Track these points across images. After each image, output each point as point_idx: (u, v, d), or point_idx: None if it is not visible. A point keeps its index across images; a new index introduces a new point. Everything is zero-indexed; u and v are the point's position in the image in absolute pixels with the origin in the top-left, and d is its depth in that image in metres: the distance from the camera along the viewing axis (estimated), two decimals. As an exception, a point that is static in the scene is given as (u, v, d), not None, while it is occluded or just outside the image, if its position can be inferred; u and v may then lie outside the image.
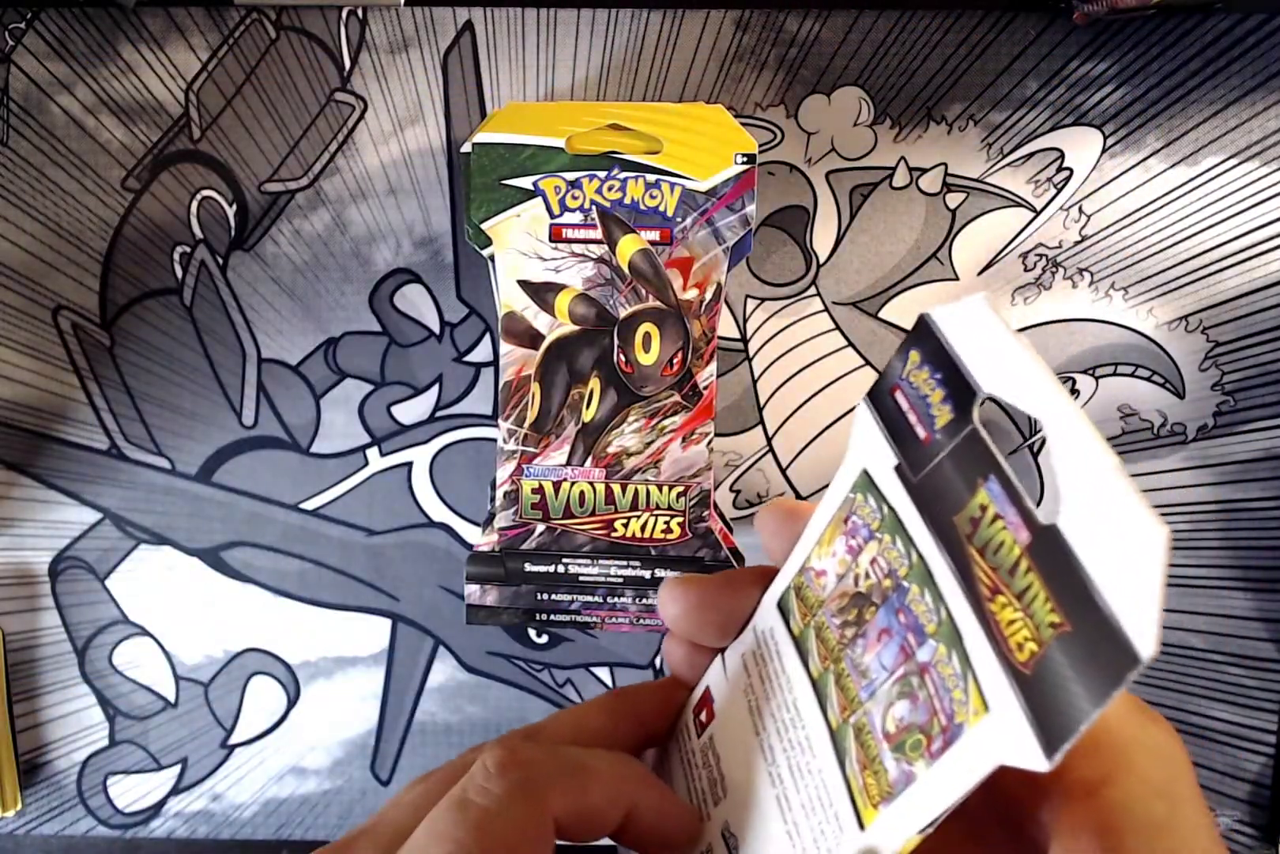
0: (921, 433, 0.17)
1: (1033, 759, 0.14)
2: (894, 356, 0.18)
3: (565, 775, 0.20)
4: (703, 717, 0.22)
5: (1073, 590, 0.13)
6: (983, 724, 0.15)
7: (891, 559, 0.17)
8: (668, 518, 0.39)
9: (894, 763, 0.16)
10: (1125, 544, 0.12)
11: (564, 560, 0.40)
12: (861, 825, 0.17)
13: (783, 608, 0.20)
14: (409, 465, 0.44)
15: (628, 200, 0.38)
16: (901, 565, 0.17)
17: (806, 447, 0.44)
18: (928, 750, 0.16)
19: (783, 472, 0.44)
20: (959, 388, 0.16)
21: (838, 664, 0.18)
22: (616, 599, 0.40)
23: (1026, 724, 0.14)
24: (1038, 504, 0.14)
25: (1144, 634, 0.12)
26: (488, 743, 0.21)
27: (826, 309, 0.43)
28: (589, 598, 0.40)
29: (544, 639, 0.45)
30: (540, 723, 0.22)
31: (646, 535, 0.39)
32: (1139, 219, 0.42)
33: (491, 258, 0.39)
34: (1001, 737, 0.14)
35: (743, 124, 0.40)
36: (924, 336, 0.17)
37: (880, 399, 0.18)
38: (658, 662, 0.46)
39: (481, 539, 0.40)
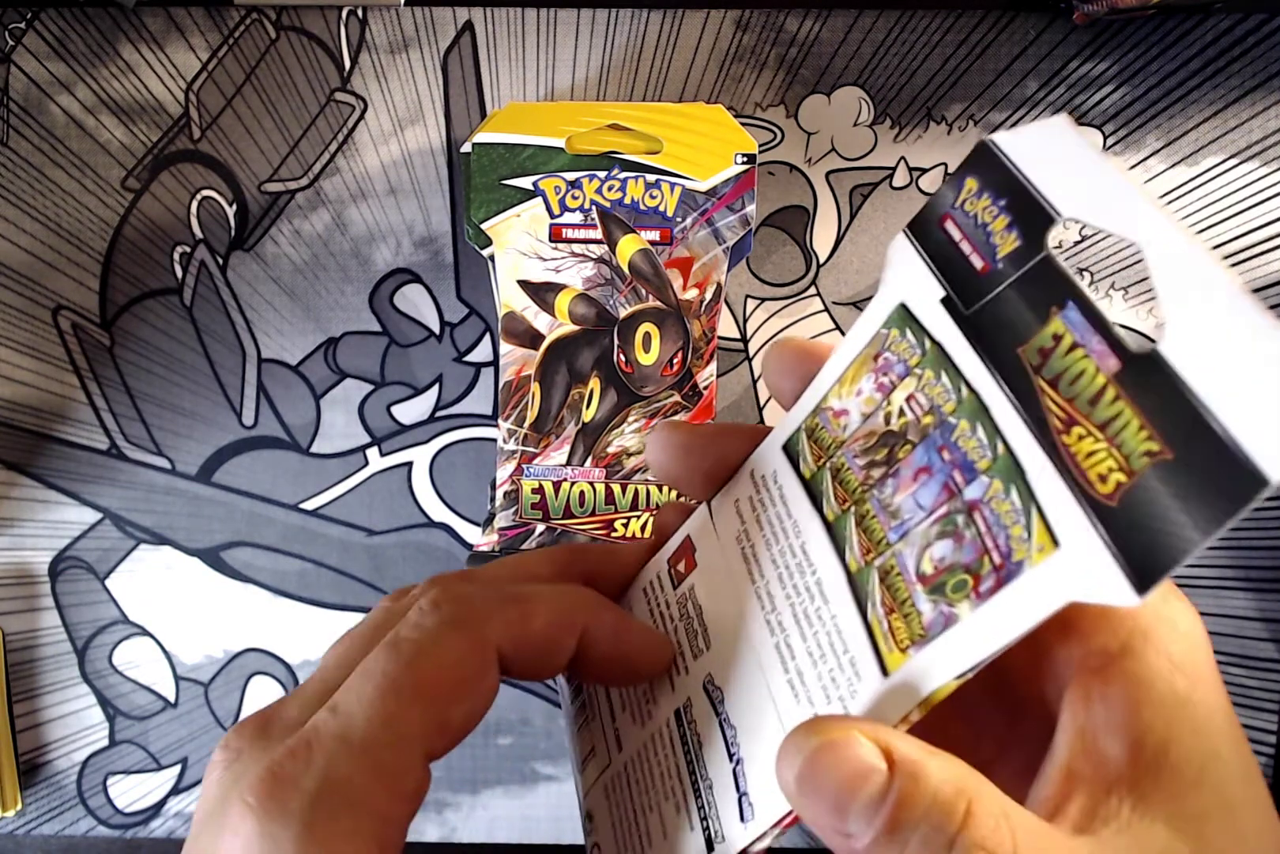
0: (979, 263, 0.16)
1: (1118, 594, 0.13)
2: (943, 186, 0.17)
3: (504, 605, 0.18)
4: (680, 567, 0.21)
5: (1176, 416, 0.12)
6: (1050, 561, 0.14)
7: (934, 395, 0.16)
8: (668, 518, 0.39)
9: (930, 605, 0.15)
10: (1246, 360, 0.12)
11: (564, 560, 0.40)
12: (885, 671, 0.16)
13: (789, 451, 0.19)
14: (409, 465, 0.44)
15: (628, 200, 0.38)
16: (947, 401, 0.16)
17: (806, 447, 0.44)
18: (975, 590, 0.15)
19: (783, 472, 0.44)
20: (1029, 213, 0.15)
21: (860, 506, 0.17)
22: (616, 599, 0.40)
23: (1110, 558, 0.13)
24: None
25: (1270, 453, 0.11)
26: (425, 581, 0.20)
27: (826, 309, 0.43)
28: (589, 598, 0.40)
29: (481, 566, 0.45)
30: (477, 568, 0.21)
31: (646, 535, 0.39)
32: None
33: (491, 258, 0.39)
34: (1075, 573, 0.14)
35: (743, 124, 0.40)
36: (985, 162, 0.16)
37: (925, 230, 0.17)
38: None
39: (481, 539, 0.40)
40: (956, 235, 0.16)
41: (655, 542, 0.22)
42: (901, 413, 0.17)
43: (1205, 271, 0.12)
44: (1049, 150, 0.15)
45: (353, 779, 0.16)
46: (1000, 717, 0.18)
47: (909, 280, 0.17)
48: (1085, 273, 0.42)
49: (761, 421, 0.44)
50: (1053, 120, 0.15)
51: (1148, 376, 0.13)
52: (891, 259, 0.18)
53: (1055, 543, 0.14)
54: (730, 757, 0.18)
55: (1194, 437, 0.12)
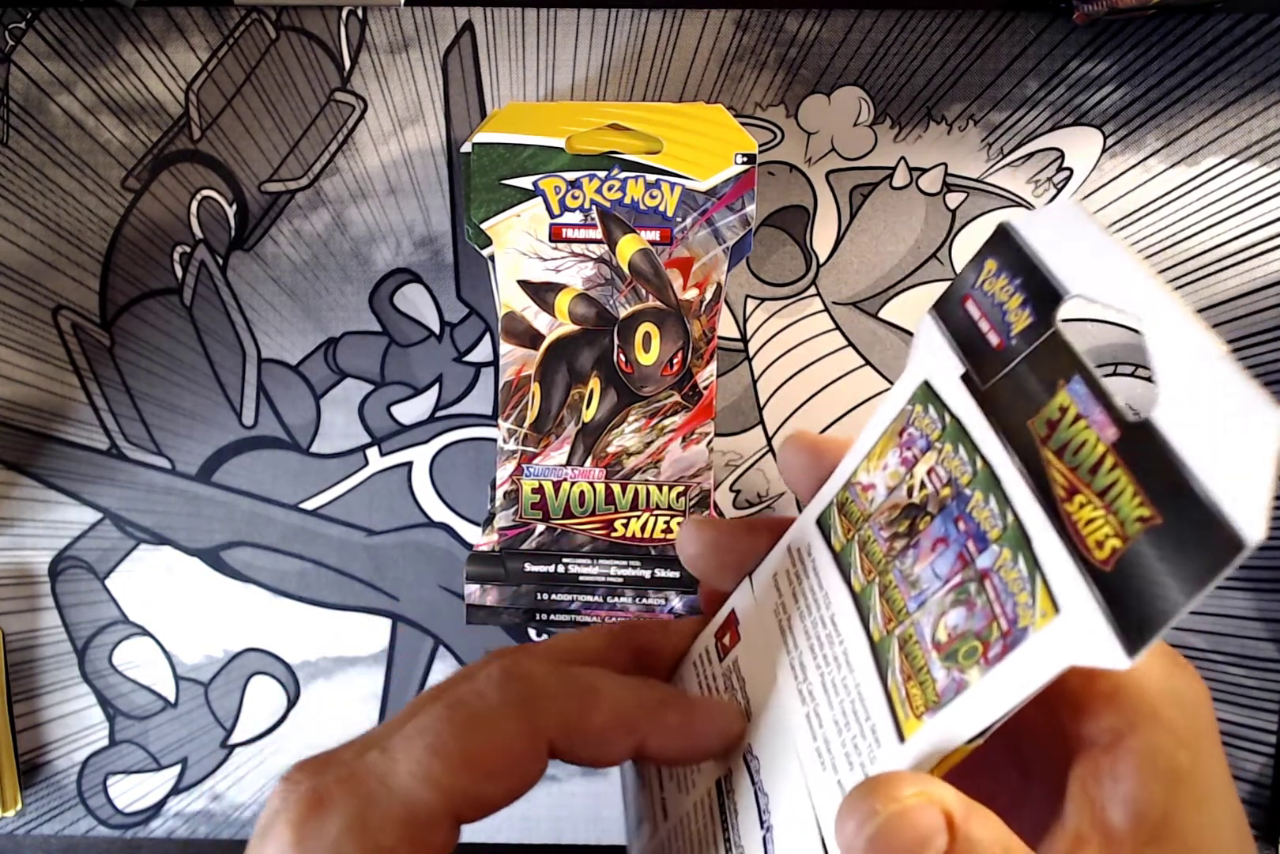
0: (994, 340, 0.16)
1: (1111, 657, 0.14)
2: (966, 268, 0.17)
3: (567, 694, 0.19)
4: (726, 640, 0.21)
5: (1166, 482, 0.13)
6: (1052, 626, 0.14)
7: (952, 468, 0.17)
8: (668, 518, 0.39)
9: (943, 672, 0.16)
10: (1230, 428, 0.12)
11: (564, 560, 0.40)
12: (902, 737, 0.16)
13: (822, 524, 0.20)
14: (409, 465, 0.44)
15: (628, 200, 0.38)
16: (964, 473, 0.17)
17: (806, 446, 0.44)
18: (984, 657, 0.15)
19: (783, 472, 0.44)
20: (1040, 291, 0.16)
21: (884, 576, 0.18)
22: (616, 599, 0.40)
23: (1104, 621, 0.14)
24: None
25: (1249, 517, 0.12)
26: (494, 652, 0.21)
27: (826, 309, 0.43)
28: (589, 598, 0.40)
29: (544, 639, 0.45)
30: (542, 642, 0.22)
31: (646, 535, 0.39)
32: (1139, 219, 0.42)
33: (491, 258, 0.39)
34: (1073, 637, 0.14)
35: (743, 124, 0.40)
36: (1002, 244, 0.16)
37: (948, 310, 0.18)
38: (658, 662, 0.46)
39: (481, 539, 0.40)
40: (976, 314, 0.17)
41: (705, 616, 0.23)
42: (923, 485, 0.17)
43: (1198, 344, 0.13)
44: (1060, 231, 0.16)
45: (384, 824, 0.17)
46: (1018, 777, 0.19)
47: (932, 358, 0.18)
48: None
49: (761, 422, 0.44)
50: (1065, 203, 0.16)
51: (1142, 445, 0.13)
52: (918, 337, 0.18)
53: (1056, 609, 0.14)
54: (762, 824, 0.18)
55: (1181, 501, 0.13)
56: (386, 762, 0.18)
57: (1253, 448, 0.12)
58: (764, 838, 0.18)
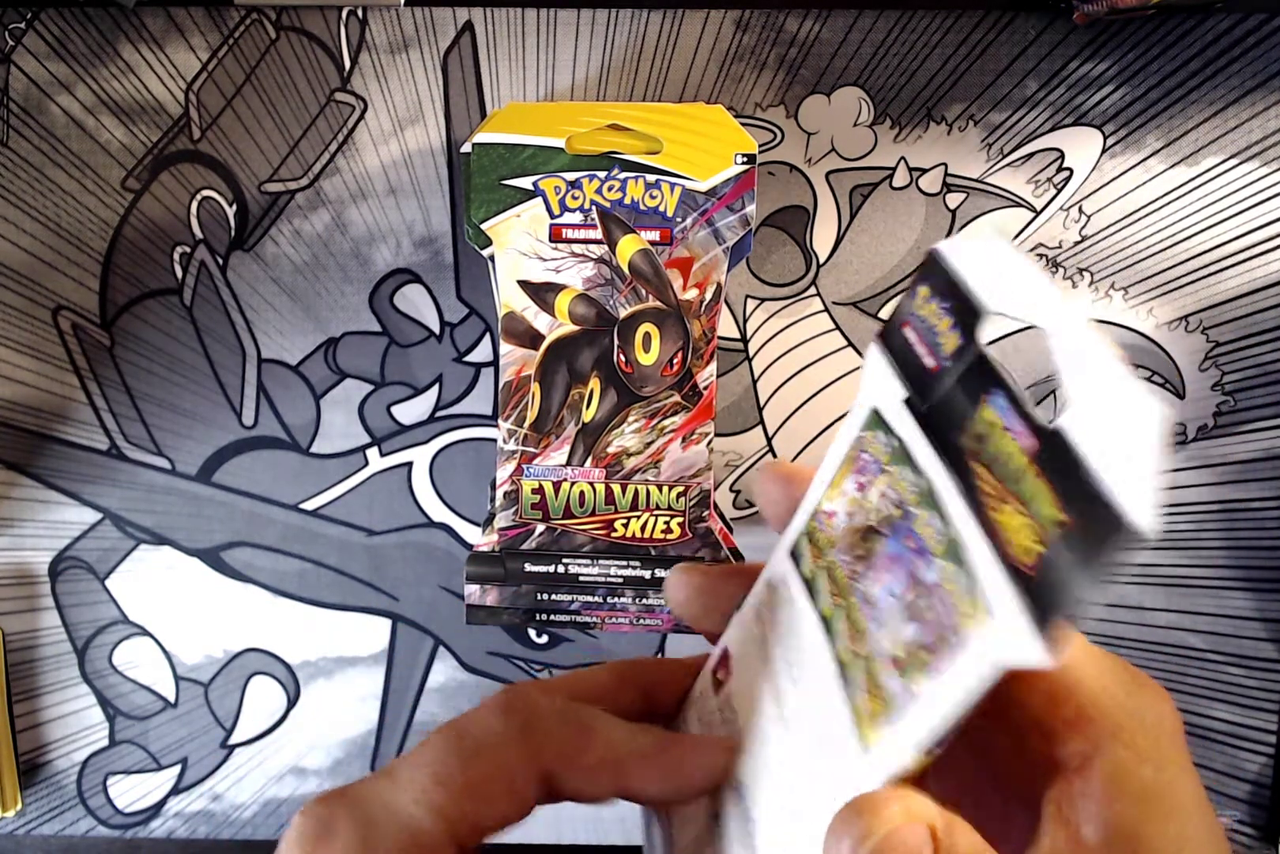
0: (930, 362, 0.17)
1: (1034, 655, 0.14)
2: (903, 295, 0.18)
3: (565, 729, 0.20)
4: (720, 675, 0.22)
5: (1075, 484, 0.14)
6: (985, 631, 0.15)
7: (900, 489, 0.18)
8: (668, 518, 0.39)
9: (899, 684, 0.17)
10: (1121, 426, 0.13)
11: (564, 560, 0.40)
12: (865, 750, 0.17)
13: (795, 555, 0.20)
14: (409, 465, 0.44)
15: (628, 200, 0.38)
16: (910, 493, 0.17)
17: (807, 447, 0.44)
18: (934, 667, 0.16)
19: (783, 472, 0.44)
20: (965, 312, 0.16)
21: (849, 599, 0.18)
22: (616, 599, 0.40)
23: (1026, 622, 0.14)
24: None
25: (1140, 506, 0.12)
26: (504, 687, 0.21)
27: (826, 309, 0.43)
28: (589, 598, 0.40)
29: (544, 639, 0.45)
30: (550, 679, 0.23)
31: (646, 535, 0.39)
32: (1139, 219, 0.42)
33: (491, 258, 0.39)
34: (1002, 640, 0.15)
35: (743, 124, 0.40)
36: (932, 269, 0.17)
37: (890, 337, 0.19)
38: (658, 662, 0.46)
39: (481, 539, 0.40)
40: (914, 338, 0.18)
41: (704, 656, 0.24)
42: (878, 509, 0.18)
43: (1094, 350, 0.14)
44: (981, 254, 0.16)
45: (387, 848, 0.18)
46: (1000, 804, 0.20)
47: (879, 384, 0.19)
48: (1085, 273, 0.42)
49: (761, 421, 0.44)
50: (986, 231, 0.16)
51: (1057, 452, 0.14)
52: (865, 366, 0.19)
53: (989, 614, 0.15)
54: (750, 847, 0.19)
55: (1088, 501, 0.13)
56: (391, 790, 0.19)
57: (1139, 442, 0.13)
58: None
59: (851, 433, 0.19)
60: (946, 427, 0.17)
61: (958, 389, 0.16)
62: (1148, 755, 0.17)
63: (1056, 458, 0.14)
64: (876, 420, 0.19)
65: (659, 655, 0.45)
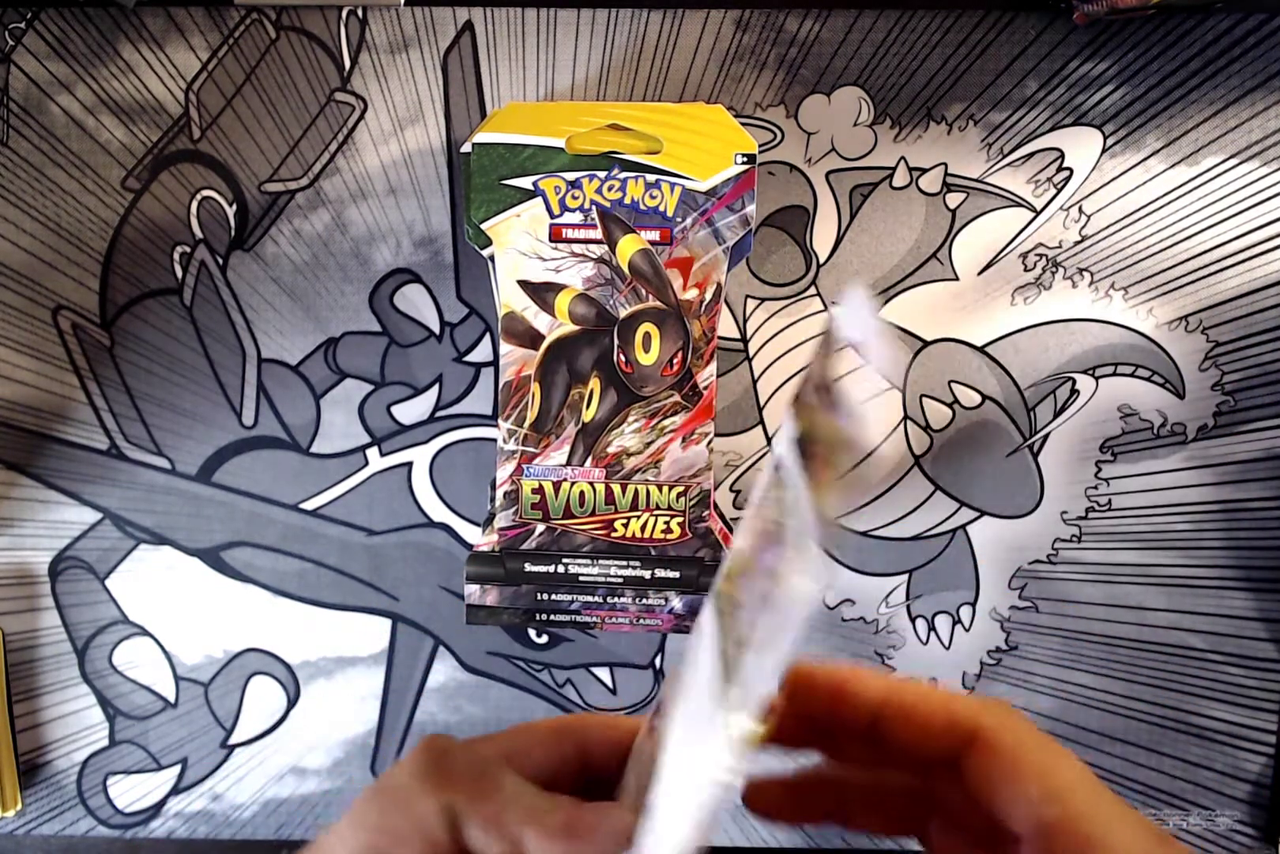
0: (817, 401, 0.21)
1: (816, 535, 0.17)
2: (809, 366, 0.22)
3: (471, 775, 0.21)
4: (654, 722, 0.23)
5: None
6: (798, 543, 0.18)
7: (778, 499, 0.20)
8: (668, 518, 0.39)
9: (746, 653, 0.19)
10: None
11: (564, 560, 0.40)
12: (725, 707, 0.19)
13: (716, 599, 0.22)
14: (409, 465, 0.44)
15: (628, 200, 0.38)
16: (782, 501, 0.20)
17: (806, 447, 0.44)
18: (765, 608, 0.18)
19: (783, 472, 0.44)
20: (829, 346, 0.21)
21: (731, 605, 0.21)
22: (616, 599, 0.40)
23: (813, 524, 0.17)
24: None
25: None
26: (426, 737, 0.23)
27: (826, 309, 0.43)
28: (589, 598, 0.40)
29: (544, 639, 0.45)
30: (485, 735, 0.24)
31: (646, 535, 0.39)
32: (1139, 219, 0.42)
33: (491, 258, 0.39)
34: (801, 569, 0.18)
35: (743, 124, 0.40)
36: (824, 334, 0.21)
37: (794, 399, 0.22)
38: (658, 662, 0.46)
39: (481, 539, 0.40)
40: (810, 390, 0.21)
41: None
42: (762, 527, 0.21)
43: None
44: (847, 305, 0.20)
45: None
46: None
47: (782, 438, 0.21)
48: (1085, 273, 0.42)
49: (761, 421, 0.44)
50: (853, 289, 0.20)
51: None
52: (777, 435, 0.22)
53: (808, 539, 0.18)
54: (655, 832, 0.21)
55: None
56: (321, 841, 0.21)
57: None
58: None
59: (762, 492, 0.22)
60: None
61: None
62: (1052, 795, 0.18)
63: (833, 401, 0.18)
64: (775, 465, 0.21)
65: (659, 656, 0.45)
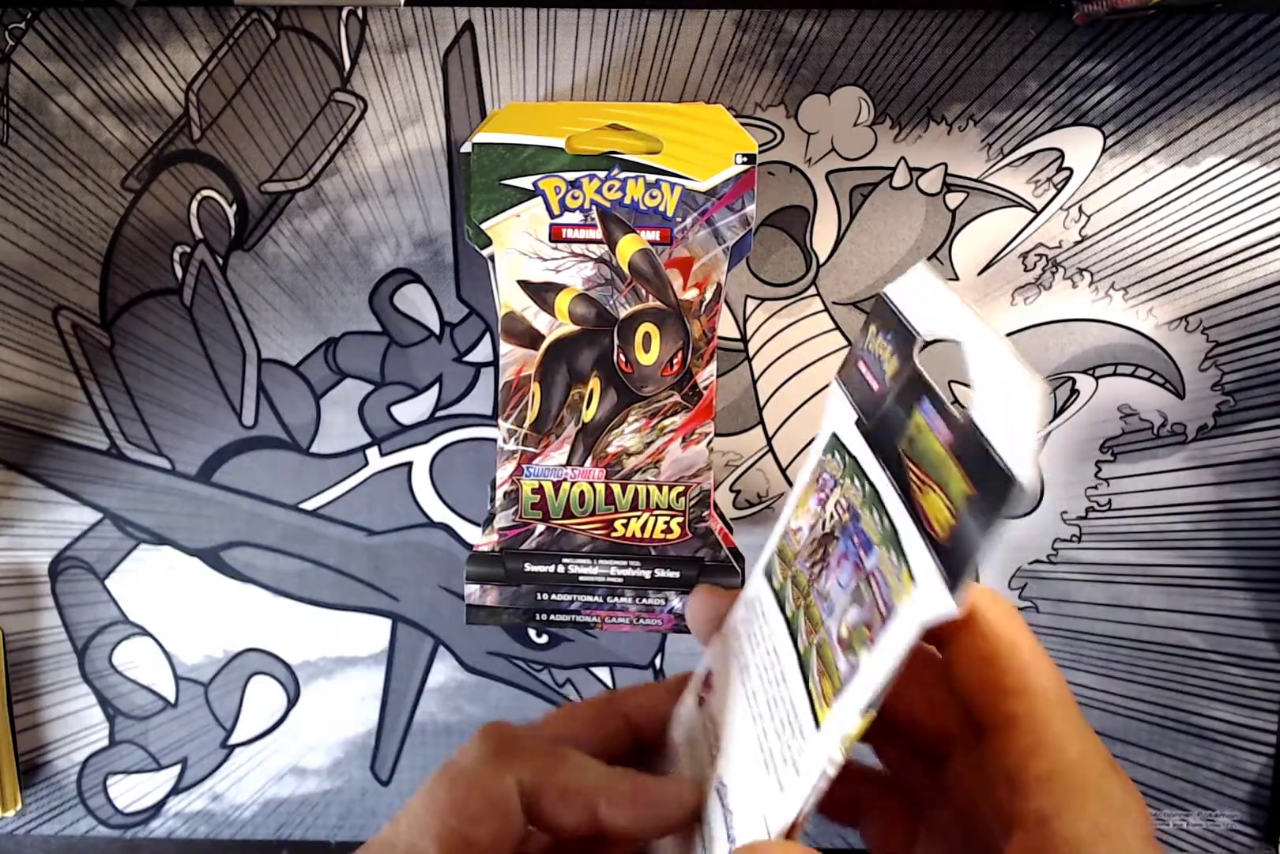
0: (875, 386, 0.20)
1: (944, 607, 0.16)
2: (859, 334, 0.21)
3: (538, 753, 0.22)
4: (703, 693, 0.24)
5: (978, 459, 0.16)
6: (911, 597, 0.17)
7: (850, 496, 0.20)
8: (668, 518, 0.39)
9: (845, 661, 0.19)
10: (1012, 404, 0.15)
11: (564, 560, 0.40)
12: (817, 725, 0.19)
13: (768, 572, 0.23)
14: (409, 465, 0.44)
15: (628, 200, 0.38)
16: (857, 498, 0.20)
17: (806, 446, 0.44)
18: (869, 640, 0.18)
19: (783, 471, 0.44)
20: (903, 339, 0.19)
21: (807, 599, 0.21)
22: (616, 599, 0.40)
23: (940, 581, 0.17)
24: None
25: (1024, 468, 0.15)
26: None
27: (826, 309, 0.43)
28: (589, 598, 0.40)
29: (544, 639, 0.45)
30: (533, 719, 0.25)
31: (646, 535, 0.39)
32: (1139, 219, 0.42)
33: (491, 258, 0.39)
34: (923, 600, 0.17)
35: (743, 124, 0.40)
36: (880, 310, 0.20)
37: (847, 373, 0.22)
38: (658, 662, 0.46)
39: (481, 539, 0.40)
40: (864, 369, 0.21)
41: (685, 676, 0.26)
42: (831, 516, 0.21)
43: (995, 350, 0.16)
44: (914, 290, 0.19)
45: None
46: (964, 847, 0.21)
47: (837, 412, 0.22)
48: (1085, 273, 0.42)
49: (761, 421, 0.44)
50: (919, 267, 0.20)
51: (968, 439, 0.17)
52: (827, 399, 0.22)
53: (914, 582, 0.17)
54: (729, 838, 0.21)
55: (987, 470, 0.16)
56: (392, 827, 0.21)
57: (1023, 413, 0.15)
58: (730, 849, 0.21)
59: (815, 457, 0.22)
60: (888, 436, 0.19)
61: (896, 403, 0.19)
62: (1106, 832, 0.18)
63: (966, 444, 0.17)
64: (835, 443, 0.21)
65: (658, 656, 0.45)
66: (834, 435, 0.21)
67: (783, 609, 0.22)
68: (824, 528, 0.21)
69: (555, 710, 0.25)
